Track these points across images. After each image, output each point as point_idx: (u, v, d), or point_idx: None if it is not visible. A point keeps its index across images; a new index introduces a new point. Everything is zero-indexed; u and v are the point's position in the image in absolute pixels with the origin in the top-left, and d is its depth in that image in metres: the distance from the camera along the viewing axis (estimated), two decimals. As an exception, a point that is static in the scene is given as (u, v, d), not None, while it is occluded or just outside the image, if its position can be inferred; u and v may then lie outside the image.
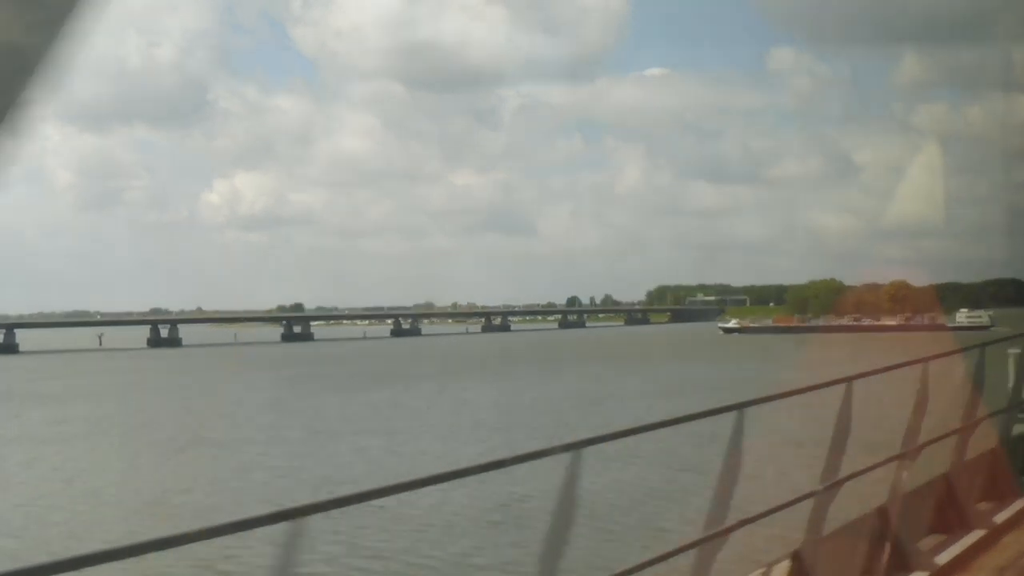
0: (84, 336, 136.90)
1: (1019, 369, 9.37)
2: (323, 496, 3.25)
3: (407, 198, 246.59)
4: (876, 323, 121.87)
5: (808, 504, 5.56)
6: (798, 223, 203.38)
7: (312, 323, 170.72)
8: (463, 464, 4.00)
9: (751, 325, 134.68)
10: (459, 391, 55.18)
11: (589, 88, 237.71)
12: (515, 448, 4.73)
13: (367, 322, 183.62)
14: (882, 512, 6.26)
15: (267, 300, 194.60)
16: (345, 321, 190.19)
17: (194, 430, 40.46)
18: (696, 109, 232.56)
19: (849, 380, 5.71)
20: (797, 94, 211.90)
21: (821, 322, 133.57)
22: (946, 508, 7.16)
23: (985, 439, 7.91)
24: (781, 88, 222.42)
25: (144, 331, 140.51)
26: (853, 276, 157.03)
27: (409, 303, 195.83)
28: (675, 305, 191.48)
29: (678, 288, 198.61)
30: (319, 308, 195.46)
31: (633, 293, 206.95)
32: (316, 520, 2.92)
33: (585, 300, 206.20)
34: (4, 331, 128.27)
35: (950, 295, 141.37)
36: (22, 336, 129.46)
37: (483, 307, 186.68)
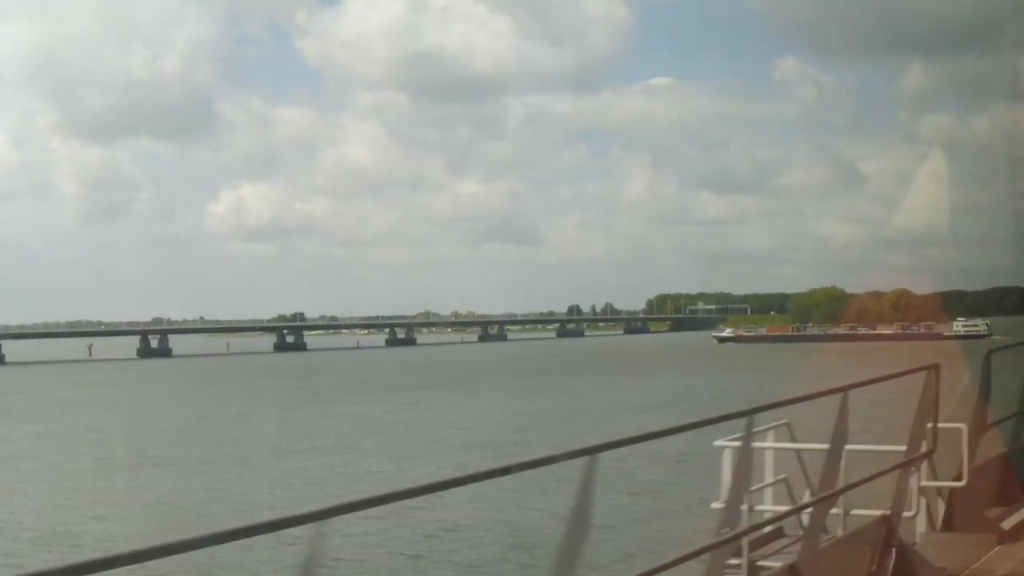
0: (74, 346, 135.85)
1: None
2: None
3: (412, 207, 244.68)
4: (872, 332, 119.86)
5: (809, 513, 5.53)
6: (804, 232, 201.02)
7: (310, 333, 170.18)
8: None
9: (745, 334, 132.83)
10: (433, 404, 53.63)
11: (594, 98, 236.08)
12: (461, 471, 4.28)
13: (366, 331, 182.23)
14: (887, 520, 6.19)
15: (271, 310, 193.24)
16: (344, 330, 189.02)
17: (143, 448, 38.79)
18: (701, 119, 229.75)
19: (845, 390, 5.66)
20: (803, 104, 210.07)
21: (816, 331, 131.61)
22: (952, 515, 7.12)
23: (992, 445, 7.84)
24: (787, 98, 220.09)
25: (136, 341, 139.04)
26: (859, 285, 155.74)
27: (412, 312, 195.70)
28: (675, 314, 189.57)
29: (678, 297, 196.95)
30: (323, 317, 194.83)
31: (635, 302, 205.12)
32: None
33: (586, 309, 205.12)
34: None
35: (954, 303, 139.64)
36: (9, 347, 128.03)
37: (482, 316, 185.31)
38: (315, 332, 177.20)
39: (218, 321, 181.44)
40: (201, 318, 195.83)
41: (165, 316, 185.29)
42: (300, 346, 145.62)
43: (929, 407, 6.48)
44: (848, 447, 5.73)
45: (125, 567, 2.41)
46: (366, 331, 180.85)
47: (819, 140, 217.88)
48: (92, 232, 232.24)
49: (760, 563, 5.75)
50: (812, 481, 6.03)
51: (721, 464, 5.34)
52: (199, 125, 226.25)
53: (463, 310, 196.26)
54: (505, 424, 43.71)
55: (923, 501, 6.78)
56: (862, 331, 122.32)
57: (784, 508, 5.60)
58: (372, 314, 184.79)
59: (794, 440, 6.60)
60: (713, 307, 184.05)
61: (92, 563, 2.37)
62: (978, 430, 7.42)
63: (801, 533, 5.75)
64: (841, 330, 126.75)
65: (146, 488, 29.26)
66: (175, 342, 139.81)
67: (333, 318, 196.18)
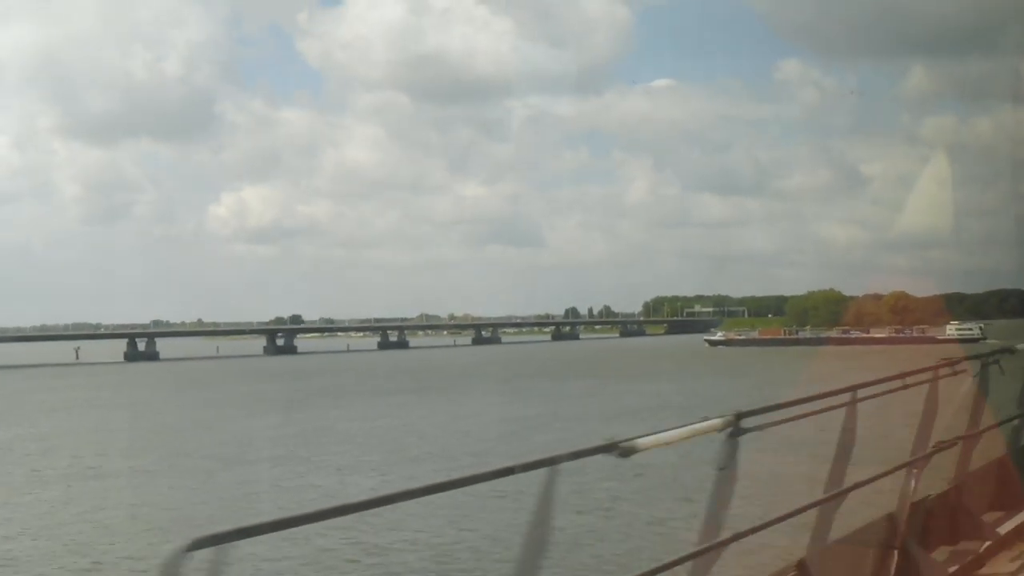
0: (61, 350, 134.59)
1: None
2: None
3: (413, 209, 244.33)
4: (865, 335, 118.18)
5: (813, 513, 5.52)
6: (806, 234, 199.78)
7: (305, 335, 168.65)
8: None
9: (737, 337, 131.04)
10: (405, 411, 51.97)
11: (596, 100, 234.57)
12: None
13: (362, 334, 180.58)
14: (890, 520, 6.25)
15: (271, 312, 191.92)
16: (340, 333, 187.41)
17: (88, 458, 37.18)
18: (703, 121, 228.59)
19: (854, 388, 5.65)
20: (804, 106, 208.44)
21: (809, 334, 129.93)
22: (955, 517, 7.15)
23: (993, 448, 7.80)
24: (788, 100, 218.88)
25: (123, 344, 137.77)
26: (861, 287, 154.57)
27: (411, 315, 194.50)
28: (672, 316, 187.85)
29: (675, 299, 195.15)
30: (323, 319, 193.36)
31: (636, 304, 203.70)
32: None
33: (585, 311, 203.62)
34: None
35: (955, 306, 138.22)
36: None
37: (478, 318, 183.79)
38: (310, 335, 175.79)
39: (216, 323, 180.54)
40: (199, 320, 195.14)
41: (164, 318, 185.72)
42: (290, 349, 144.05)
43: (933, 408, 6.49)
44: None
45: None
46: (362, 334, 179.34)
47: (821, 142, 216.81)
48: (93, 234, 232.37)
49: (768, 561, 5.81)
50: (816, 480, 5.94)
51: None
52: (200, 126, 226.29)
53: (463, 312, 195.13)
54: (471, 433, 42.16)
55: (926, 503, 6.76)
56: (855, 334, 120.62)
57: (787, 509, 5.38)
58: (372, 316, 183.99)
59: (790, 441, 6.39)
60: (710, 309, 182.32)
61: None
62: (979, 433, 7.37)
63: (805, 533, 5.69)
64: (834, 333, 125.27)
65: (68, 503, 27.63)
66: (166, 345, 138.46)
67: (329, 320, 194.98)
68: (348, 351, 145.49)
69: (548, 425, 42.71)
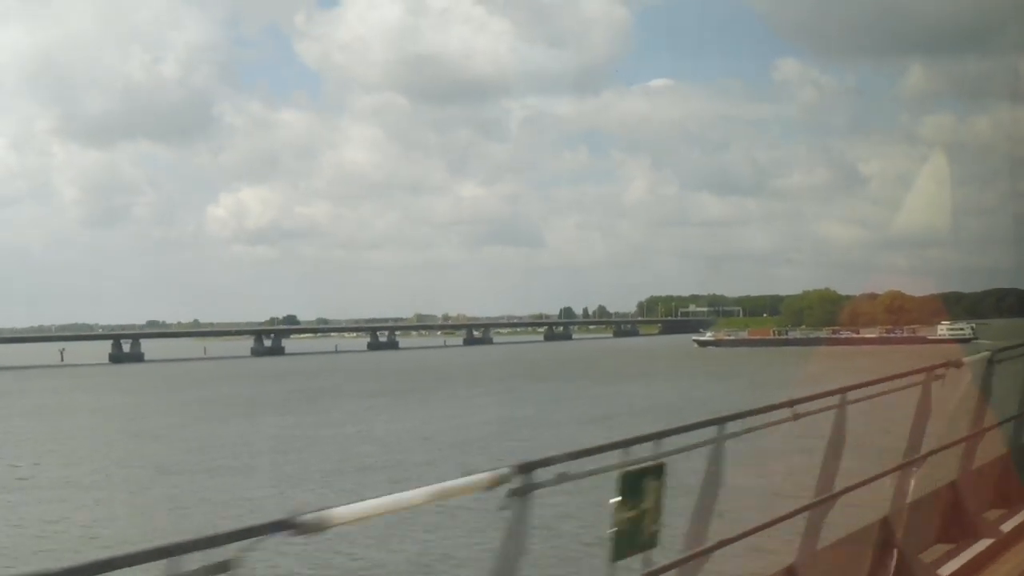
0: (49, 351, 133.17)
1: None
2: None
3: (412, 210, 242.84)
4: (855, 336, 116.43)
5: (802, 519, 5.44)
6: (805, 234, 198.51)
7: (299, 336, 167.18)
8: None
9: (726, 338, 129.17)
10: (371, 416, 50.27)
11: (594, 100, 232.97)
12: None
13: (355, 335, 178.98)
14: (885, 523, 6.13)
15: (266, 313, 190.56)
16: (333, 334, 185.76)
17: (26, 468, 35.55)
18: (702, 120, 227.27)
19: (844, 391, 5.58)
20: (803, 105, 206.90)
21: (798, 334, 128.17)
22: (952, 517, 7.04)
23: (993, 447, 7.70)
24: (787, 99, 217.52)
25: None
26: (859, 286, 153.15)
27: (408, 315, 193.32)
28: (667, 316, 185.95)
29: (669, 299, 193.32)
30: (319, 320, 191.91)
31: (631, 304, 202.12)
32: None
33: (582, 311, 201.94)
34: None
35: (952, 305, 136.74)
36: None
37: (473, 318, 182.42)
38: (304, 336, 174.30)
39: (212, 324, 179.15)
40: (195, 321, 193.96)
41: (161, 319, 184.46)
42: (278, 350, 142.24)
43: (927, 409, 6.47)
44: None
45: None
46: (354, 335, 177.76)
47: (820, 141, 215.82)
48: (92, 235, 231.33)
49: (756, 567, 5.81)
50: (809, 483, 5.80)
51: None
52: (198, 128, 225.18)
53: (462, 312, 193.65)
54: (432, 439, 40.50)
55: (922, 504, 6.68)
56: (845, 335, 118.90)
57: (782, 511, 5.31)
58: (368, 317, 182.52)
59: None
60: (705, 309, 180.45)
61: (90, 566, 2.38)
62: (977, 432, 7.37)
63: (798, 536, 5.56)
64: (823, 334, 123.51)
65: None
66: (155, 346, 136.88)
67: (323, 321, 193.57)
68: (336, 352, 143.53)
69: (509, 433, 40.97)
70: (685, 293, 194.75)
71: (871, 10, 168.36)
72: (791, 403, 5.04)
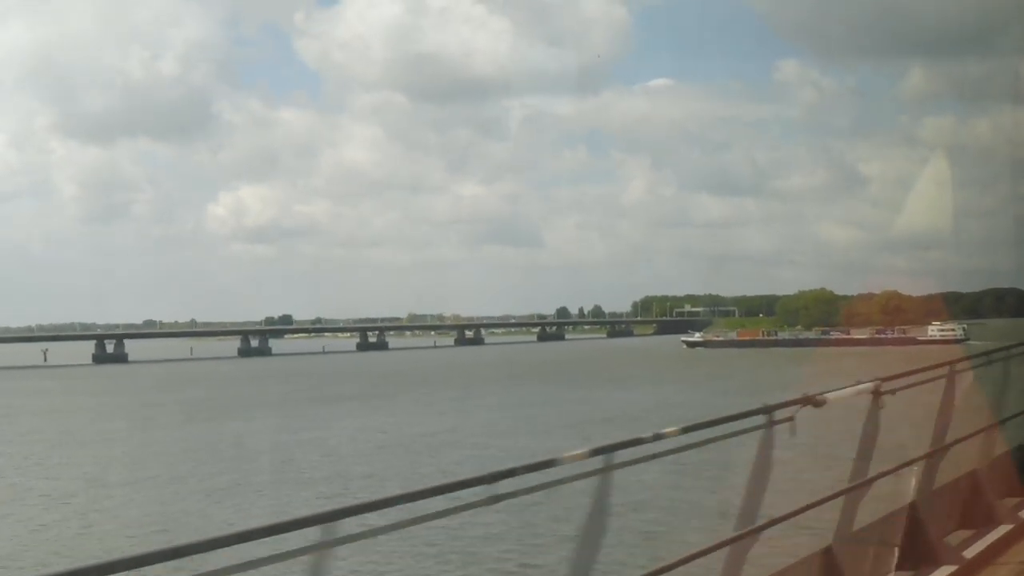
0: (33, 352, 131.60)
1: None
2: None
3: (412, 209, 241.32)
4: (845, 336, 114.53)
5: (839, 502, 5.75)
6: (805, 235, 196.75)
7: (293, 336, 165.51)
8: None
9: (715, 339, 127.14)
10: (332, 422, 48.22)
11: (594, 99, 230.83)
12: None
13: (348, 335, 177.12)
14: (911, 508, 6.43)
15: (265, 312, 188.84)
16: (327, 334, 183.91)
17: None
18: (702, 121, 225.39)
19: (879, 381, 5.90)
20: (803, 106, 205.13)
21: (788, 335, 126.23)
22: (973, 504, 7.38)
23: (1010, 438, 7.98)
24: (787, 100, 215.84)
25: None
26: (859, 288, 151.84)
27: (403, 315, 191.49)
28: (662, 316, 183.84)
29: (664, 299, 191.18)
30: (316, 319, 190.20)
31: (627, 304, 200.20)
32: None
33: (583, 311, 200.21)
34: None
35: (951, 305, 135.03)
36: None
37: (469, 318, 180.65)
38: (297, 336, 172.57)
39: (209, 324, 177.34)
40: (192, 320, 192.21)
41: (159, 318, 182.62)
42: (264, 351, 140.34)
43: (949, 404, 6.79)
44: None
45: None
46: (347, 335, 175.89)
47: (820, 142, 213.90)
48: (91, 233, 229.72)
49: (797, 544, 5.99)
50: (840, 471, 6.13)
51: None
52: (198, 126, 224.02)
53: (458, 312, 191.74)
54: (385, 448, 38.59)
55: (944, 491, 7.00)
56: (835, 335, 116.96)
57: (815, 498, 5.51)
58: (367, 316, 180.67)
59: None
60: (700, 309, 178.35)
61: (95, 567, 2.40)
62: (995, 424, 7.71)
63: (835, 519, 5.85)
64: (813, 334, 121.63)
65: None
66: (143, 346, 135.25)
67: (318, 320, 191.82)
68: (324, 352, 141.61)
69: (461, 441, 39.05)
70: (686, 293, 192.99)
71: (871, 11, 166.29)
72: (828, 392, 5.43)
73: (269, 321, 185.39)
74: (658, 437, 4.38)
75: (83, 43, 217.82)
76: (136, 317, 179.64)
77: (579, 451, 3.78)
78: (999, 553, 6.77)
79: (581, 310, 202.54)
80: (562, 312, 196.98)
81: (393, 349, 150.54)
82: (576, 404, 51.42)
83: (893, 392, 5.90)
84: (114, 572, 2.42)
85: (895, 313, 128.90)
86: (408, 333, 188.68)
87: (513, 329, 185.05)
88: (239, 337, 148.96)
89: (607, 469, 3.92)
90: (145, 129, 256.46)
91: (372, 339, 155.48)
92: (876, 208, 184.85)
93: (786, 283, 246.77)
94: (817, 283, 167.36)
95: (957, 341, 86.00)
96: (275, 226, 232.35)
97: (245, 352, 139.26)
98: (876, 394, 5.82)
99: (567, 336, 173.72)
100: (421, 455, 35.56)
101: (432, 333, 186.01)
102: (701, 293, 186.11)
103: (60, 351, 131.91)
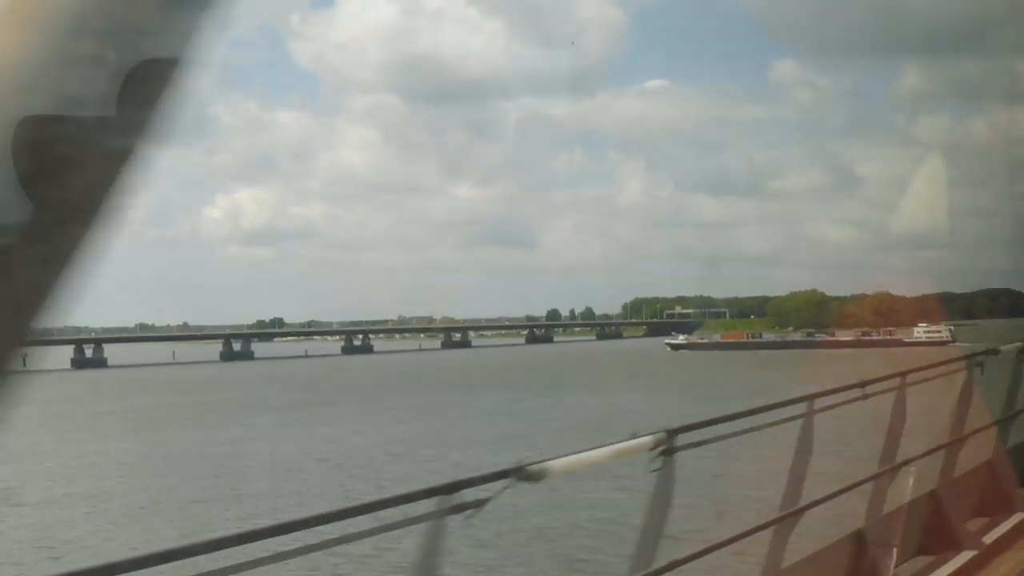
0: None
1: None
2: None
3: (407, 211, 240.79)
4: (830, 339, 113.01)
5: (869, 487, 6.09)
6: (801, 235, 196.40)
7: (283, 339, 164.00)
8: None
9: (699, 341, 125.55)
10: (284, 430, 46.19)
11: (590, 101, 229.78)
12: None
13: (338, 338, 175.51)
14: (933, 496, 6.77)
15: (258, 315, 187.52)
16: (317, 337, 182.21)
17: None
18: (697, 121, 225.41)
19: (903, 374, 6.28)
20: (799, 106, 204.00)
21: (773, 337, 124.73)
22: (991, 492, 7.62)
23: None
24: (783, 100, 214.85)
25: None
26: (855, 288, 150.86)
27: (402, 316, 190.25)
28: (652, 318, 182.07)
29: (654, 301, 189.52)
30: (309, 322, 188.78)
31: (618, 306, 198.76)
32: None
33: (578, 313, 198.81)
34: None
35: (945, 305, 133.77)
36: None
37: (459, 321, 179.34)
38: (287, 339, 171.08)
39: (201, 327, 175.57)
40: (185, 324, 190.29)
41: (149, 322, 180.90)
42: (247, 355, 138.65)
43: (967, 397, 7.15)
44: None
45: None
46: (337, 337, 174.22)
47: (816, 142, 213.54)
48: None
49: (824, 532, 6.15)
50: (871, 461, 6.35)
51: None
52: (194, 129, 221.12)
53: (449, 315, 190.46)
54: (328, 461, 36.73)
55: (965, 479, 7.30)
56: (820, 338, 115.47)
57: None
58: (358, 319, 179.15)
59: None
60: (691, 311, 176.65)
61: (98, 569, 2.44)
62: (1007, 418, 8.01)
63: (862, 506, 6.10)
64: (798, 336, 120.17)
65: None
66: (126, 350, 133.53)
67: (313, 323, 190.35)
68: (306, 356, 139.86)
69: (400, 457, 37.05)
70: (682, 294, 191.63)
71: (867, 12, 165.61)
72: (852, 387, 5.91)
73: (260, 324, 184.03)
74: (711, 423, 4.77)
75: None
76: (130, 320, 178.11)
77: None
78: (1016, 539, 7.11)
79: (572, 312, 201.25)
80: (552, 314, 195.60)
81: (378, 352, 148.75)
82: (534, 414, 49.41)
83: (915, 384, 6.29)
84: (114, 573, 2.42)
85: (888, 314, 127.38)
86: (397, 336, 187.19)
87: (504, 331, 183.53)
88: (202, 340, 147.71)
89: (670, 451, 4.15)
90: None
91: (357, 342, 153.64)
92: (872, 208, 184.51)
93: (781, 284, 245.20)
94: (813, 284, 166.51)
95: (943, 343, 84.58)
96: (271, 228, 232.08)
97: (227, 356, 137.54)
98: (902, 387, 6.21)
99: (556, 338, 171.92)
100: (357, 471, 33.68)
101: (422, 336, 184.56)
102: (693, 295, 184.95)
103: (42, 356, 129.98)
